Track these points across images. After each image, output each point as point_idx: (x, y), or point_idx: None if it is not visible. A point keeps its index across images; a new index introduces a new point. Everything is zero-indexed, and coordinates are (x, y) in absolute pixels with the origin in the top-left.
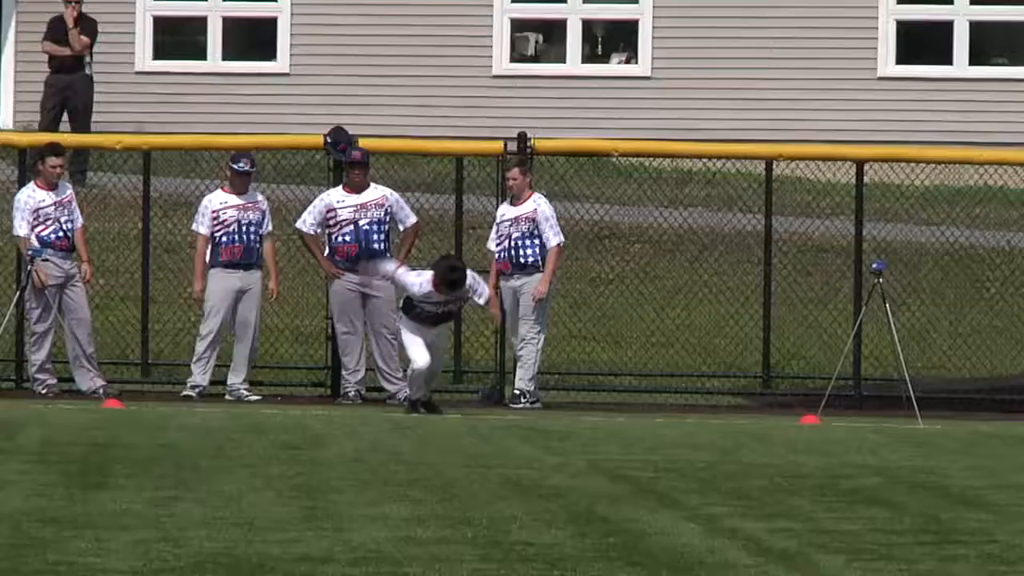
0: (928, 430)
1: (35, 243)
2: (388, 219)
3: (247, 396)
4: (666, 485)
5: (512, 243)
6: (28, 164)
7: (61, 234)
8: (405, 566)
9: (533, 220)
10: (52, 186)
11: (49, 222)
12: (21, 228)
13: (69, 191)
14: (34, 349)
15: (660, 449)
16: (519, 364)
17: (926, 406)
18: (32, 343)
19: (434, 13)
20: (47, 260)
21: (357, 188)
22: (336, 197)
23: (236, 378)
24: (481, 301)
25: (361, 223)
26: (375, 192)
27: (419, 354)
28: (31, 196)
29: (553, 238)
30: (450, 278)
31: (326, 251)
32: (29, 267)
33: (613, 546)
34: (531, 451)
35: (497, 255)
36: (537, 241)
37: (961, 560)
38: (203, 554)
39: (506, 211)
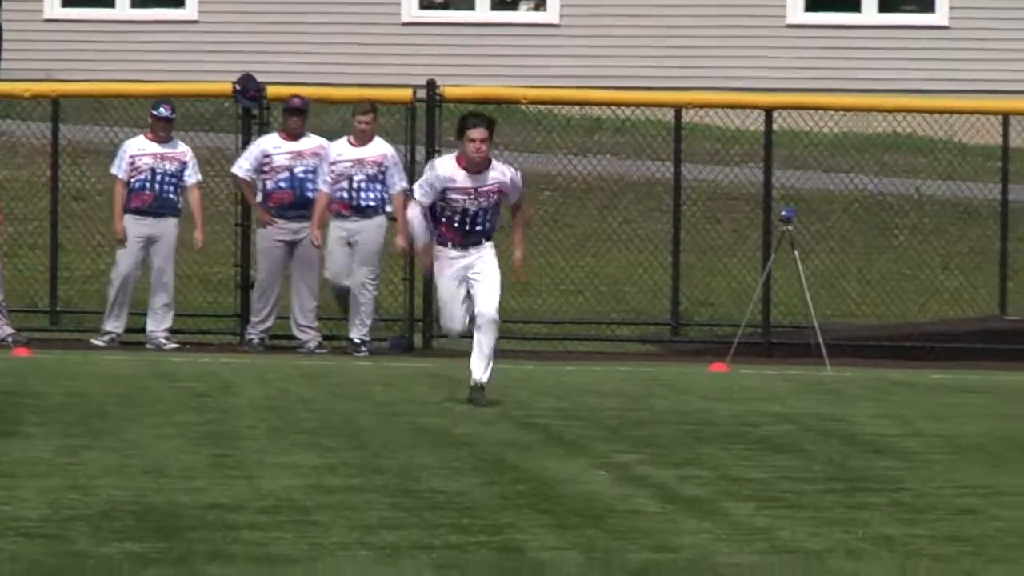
0: (837, 377)
1: None
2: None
3: (166, 344)
4: (575, 433)
5: (353, 185)
6: None
7: None
8: (315, 514)
9: (379, 164)
10: None
11: None
12: None
13: None
14: None
15: (569, 397)
16: (356, 312)
17: (835, 353)
18: None
19: None
20: None
21: (294, 135)
22: (272, 143)
23: (155, 326)
24: (513, 199)
25: (296, 170)
26: (312, 141)
27: (451, 314)
28: None
29: (400, 183)
30: (472, 120)
31: (259, 197)
32: None
33: (523, 494)
34: (441, 397)
35: (334, 196)
36: (379, 186)
37: (871, 508)
38: (113, 502)
39: (344, 152)
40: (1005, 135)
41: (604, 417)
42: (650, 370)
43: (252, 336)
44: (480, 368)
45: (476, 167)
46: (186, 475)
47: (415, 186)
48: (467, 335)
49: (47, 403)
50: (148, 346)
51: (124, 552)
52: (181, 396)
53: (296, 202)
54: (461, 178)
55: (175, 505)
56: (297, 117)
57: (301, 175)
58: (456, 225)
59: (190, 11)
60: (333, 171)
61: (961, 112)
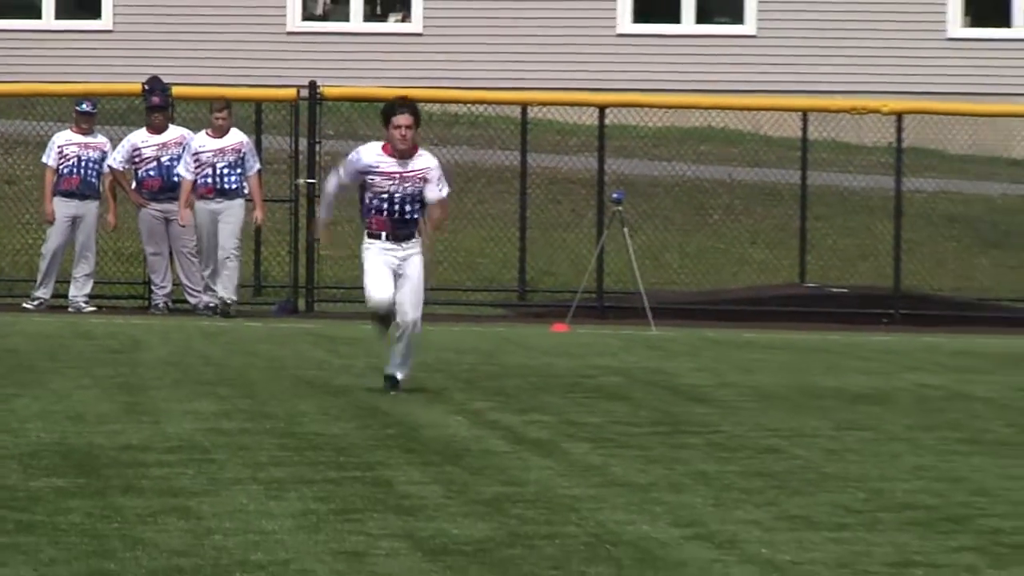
0: (661, 336)
1: None
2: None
3: (85, 308)
4: (436, 384)
5: (216, 171)
6: None
7: None
8: (213, 453)
9: (238, 151)
10: None
11: None
12: None
13: None
14: None
15: (431, 352)
16: (224, 278)
17: (659, 315)
18: None
19: None
20: None
21: (158, 129)
22: (141, 138)
23: (76, 292)
24: (433, 196)
25: (163, 159)
26: (174, 132)
27: (376, 284)
28: None
29: (255, 165)
30: (397, 108)
31: (134, 184)
32: None
33: (392, 436)
34: (321, 355)
35: (198, 181)
36: (239, 170)
37: (690, 448)
38: (40, 443)
39: (205, 143)
40: (804, 128)
41: (461, 370)
42: (500, 330)
43: (157, 301)
44: (396, 364)
45: (402, 154)
46: (102, 420)
47: (339, 169)
48: (389, 314)
49: None
50: (70, 309)
51: (50, 486)
52: (98, 352)
53: (164, 186)
54: (386, 163)
55: (93, 446)
56: (159, 113)
57: (167, 163)
58: (385, 213)
59: (106, 22)
60: (197, 160)
61: (766, 109)
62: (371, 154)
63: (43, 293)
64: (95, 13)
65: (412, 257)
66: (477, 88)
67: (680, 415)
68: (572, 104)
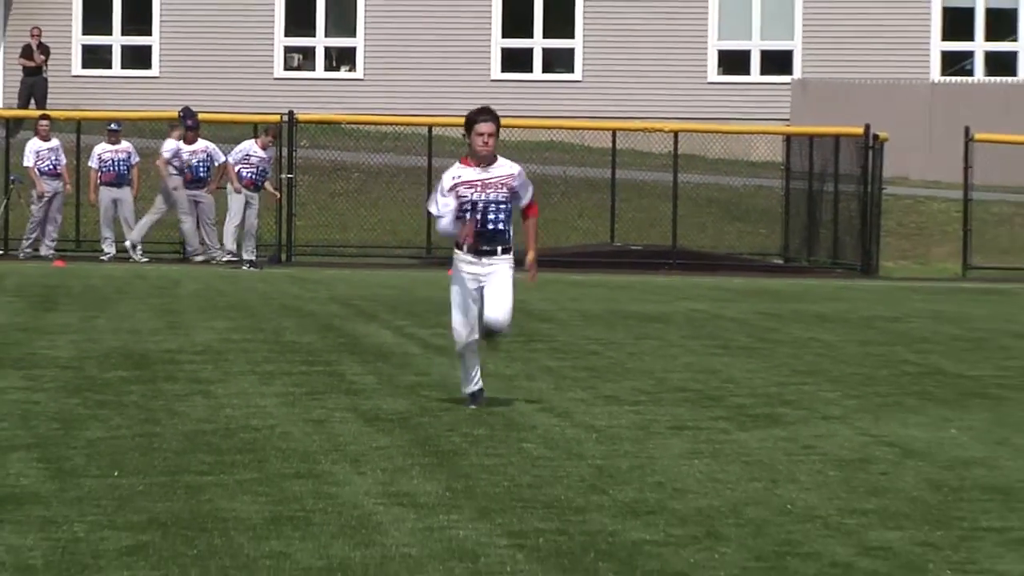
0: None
1: (36, 171)
2: (208, 160)
3: (141, 259)
4: (372, 308)
5: (259, 172)
6: (11, 129)
7: (52, 166)
8: (226, 355)
9: (269, 161)
10: (46, 139)
11: (47, 159)
12: (28, 159)
13: (56, 142)
14: (27, 235)
15: (371, 288)
16: (250, 246)
17: (518, 265)
18: (28, 231)
19: (241, 45)
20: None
21: (191, 141)
22: (180, 146)
23: (131, 250)
24: (525, 200)
25: (193, 162)
26: (202, 143)
27: (460, 321)
28: (33, 144)
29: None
30: (480, 116)
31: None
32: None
33: (343, 343)
34: (297, 290)
35: (246, 176)
36: (265, 172)
37: (539, 351)
38: (111, 349)
39: (258, 151)
40: (613, 142)
41: (387, 299)
42: (413, 274)
43: (188, 255)
44: (476, 379)
45: (482, 161)
46: (152, 333)
47: (429, 207)
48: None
49: (74, 291)
50: (132, 259)
51: (117, 376)
52: (149, 288)
53: (194, 180)
54: (467, 173)
55: (146, 350)
56: (193, 131)
57: (195, 164)
58: (469, 221)
59: (155, 71)
60: (248, 161)
61: (589, 129)
62: (451, 174)
63: (109, 249)
64: (147, 65)
65: (496, 273)
66: (400, 115)
67: (532, 329)
68: (461, 126)
